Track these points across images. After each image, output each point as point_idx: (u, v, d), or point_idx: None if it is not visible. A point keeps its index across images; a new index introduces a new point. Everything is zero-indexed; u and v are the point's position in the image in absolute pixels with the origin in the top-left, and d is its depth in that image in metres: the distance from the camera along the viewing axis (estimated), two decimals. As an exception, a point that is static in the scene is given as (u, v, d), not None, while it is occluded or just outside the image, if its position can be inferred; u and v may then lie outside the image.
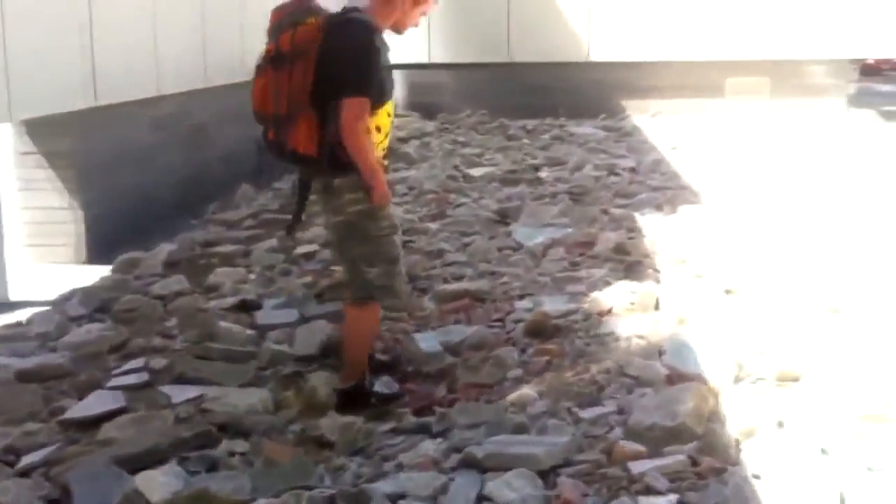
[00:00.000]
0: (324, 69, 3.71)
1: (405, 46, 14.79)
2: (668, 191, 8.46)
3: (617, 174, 9.34)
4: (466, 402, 4.00)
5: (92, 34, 6.54)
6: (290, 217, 4.14)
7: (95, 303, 5.25)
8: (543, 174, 9.41)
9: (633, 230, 6.89)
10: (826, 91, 14.42)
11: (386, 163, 4.04)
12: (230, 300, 5.27)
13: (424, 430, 3.78)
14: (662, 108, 14.57)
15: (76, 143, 6.47)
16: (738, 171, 9.41)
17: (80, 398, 4.03)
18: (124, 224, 6.83)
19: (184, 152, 8.00)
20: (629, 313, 4.93)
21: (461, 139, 11.90)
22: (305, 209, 4.04)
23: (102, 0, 6.68)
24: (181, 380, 4.23)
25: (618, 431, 3.56)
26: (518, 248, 6.52)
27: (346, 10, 3.88)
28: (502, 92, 14.53)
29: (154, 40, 7.50)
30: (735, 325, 4.71)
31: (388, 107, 3.91)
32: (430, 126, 12.93)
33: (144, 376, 4.27)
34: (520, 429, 3.64)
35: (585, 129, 12.65)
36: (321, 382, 4.15)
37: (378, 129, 3.85)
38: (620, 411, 3.74)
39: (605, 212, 7.53)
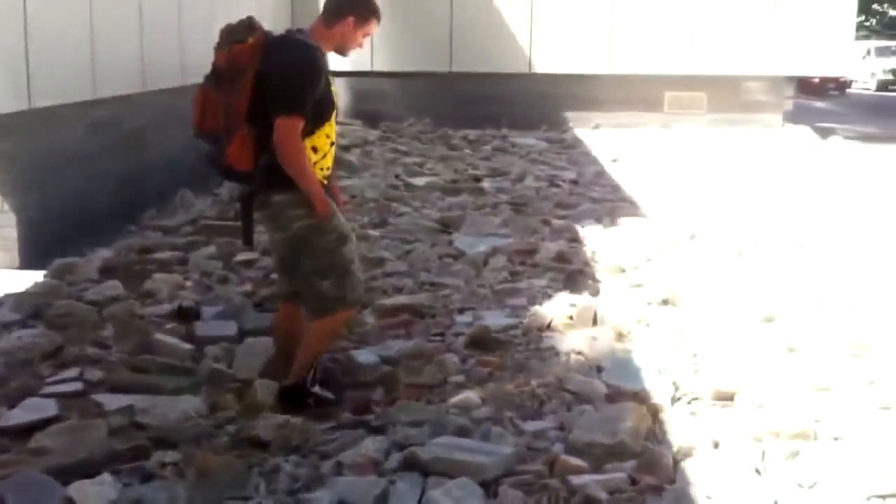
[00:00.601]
0: (261, 87, 3.71)
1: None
2: (608, 203, 8.57)
3: (558, 185, 9.43)
4: (407, 402, 4.00)
5: (27, 37, 6.39)
6: (238, 227, 4.10)
7: (28, 309, 5.12)
8: (485, 184, 9.46)
9: (574, 240, 6.95)
10: (762, 107, 14.72)
11: (328, 176, 4.01)
12: (167, 307, 5.19)
13: (363, 426, 3.76)
14: (604, 120, 14.75)
15: (9, 147, 6.31)
16: (677, 184, 9.55)
17: (12, 406, 3.92)
18: (59, 229, 6.68)
19: (122, 157, 7.86)
20: (568, 328, 4.96)
21: (402, 148, 11.92)
22: (253, 222, 4.00)
23: (39, 3, 6.54)
24: (115, 389, 4.15)
25: (559, 446, 3.58)
26: (459, 255, 6.53)
27: (287, 31, 3.90)
28: (445, 101, 14.59)
29: (91, 44, 7.37)
30: (672, 339, 4.78)
31: (328, 128, 3.89)
32: (373, 135, 12.92)
33: (78, 386, 4.18)
34: (462, 431, 3.66)
35: (528, 140, 12.75)
36: (261, 385, 4.09)
37: (315, 149, 3.84)
38: (561, 427, 3.77)
39: (546, 222, 7.59)
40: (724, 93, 14.66)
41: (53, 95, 6.78)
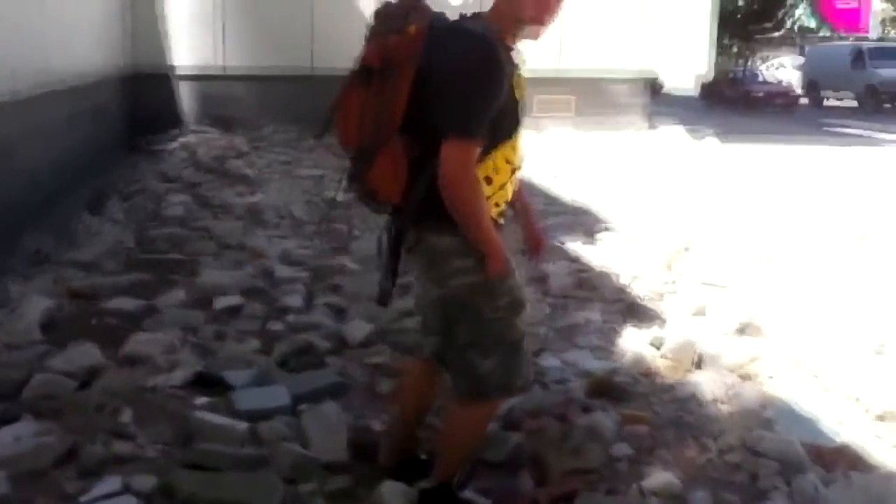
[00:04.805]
0: (422, 90, 2.68)
1: (195, 54, 13.41)
2: (559, 214, 7.91)
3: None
4: (588, 495, 3.09)
5: None
6: (380, 282, 2.99)
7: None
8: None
9: (574, 261, 6.21)
10: (628, 109, 14.60)
11: (502, 221, 2.91)
12: (179, 375, 3.99)
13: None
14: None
15: None
16: (589, 189, 9.11)
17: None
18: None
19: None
20: (672, 371, 4.22)
21: (283, 157, 10.76)
22: (398, 271, 2.90)
23: None
24: (188, 504, 3.00)
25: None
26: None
27: (461, 17, 2.80)
28: (307, 106, 13.41)
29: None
30: (803, 376, 4.16)
31: (508, 150, 2.80)
32: (240, 142, 11.63)
33: (133, 503, 3.00)
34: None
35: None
36: (393, 494, 3.07)
37: (489, 179, 2.76)
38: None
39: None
40: (591, 95, 14.42)
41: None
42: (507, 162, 2.79)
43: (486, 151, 2.70)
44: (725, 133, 13.81)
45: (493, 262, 2.70)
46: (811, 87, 30.96)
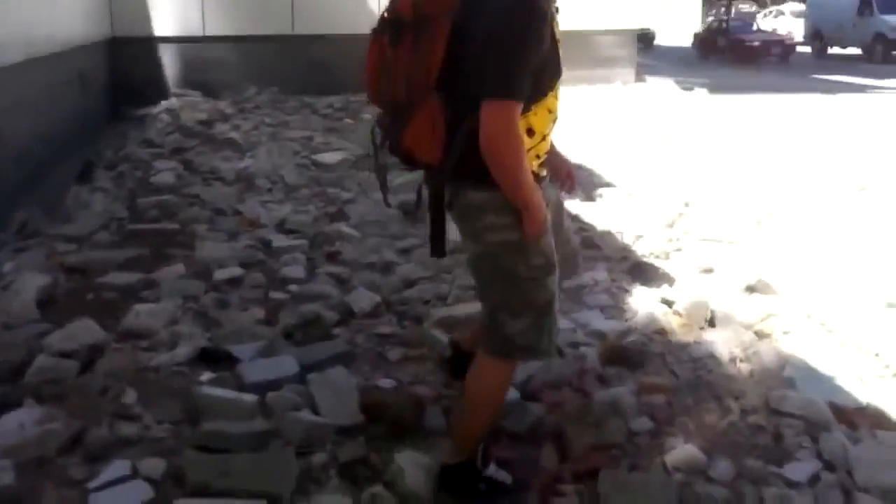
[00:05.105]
0: (459, 46, 2.55)
1: (176, 17, 13.13)
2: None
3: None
4: (611, 471, 3.02)
5: None
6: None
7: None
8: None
9: (574, 218, 6.11)
10: (615, 62, 14.43)
11: (544, 173, 2.85)
12: (183, 351, 3.89)
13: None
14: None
15: None
16: (580, 144, 8.99)
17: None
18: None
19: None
20: (686, 330, 4.15)
21: (268, 120, 10.57)
22: (445, 225, 2.80)
23: None
24: (203, 493, 2.91)
25: (862, 498, 2.78)
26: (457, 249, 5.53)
27: None
28: (289, 68, 13.24)
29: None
30: (819, 333, 4.10)
31: (550, 100, 2.68)
32: (225, 105, 11.44)
33: (145, 489, 2.91)
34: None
35: (402, 106, 11.71)
36: (410, 465, 3.00)
37: (530, 131, 2.67)
38: (830, 466, 2.97)
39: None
40: (578, 48, 14.21)
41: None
42: (549, 111, 2.71)
43: (528, 104, 2.59)
44: (716, 87, 13.66)
45: (531, 220, 2.65)
46: (814, 36, 28.70)
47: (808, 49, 28.11)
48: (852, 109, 12.99)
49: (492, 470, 3.02)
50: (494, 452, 3.10)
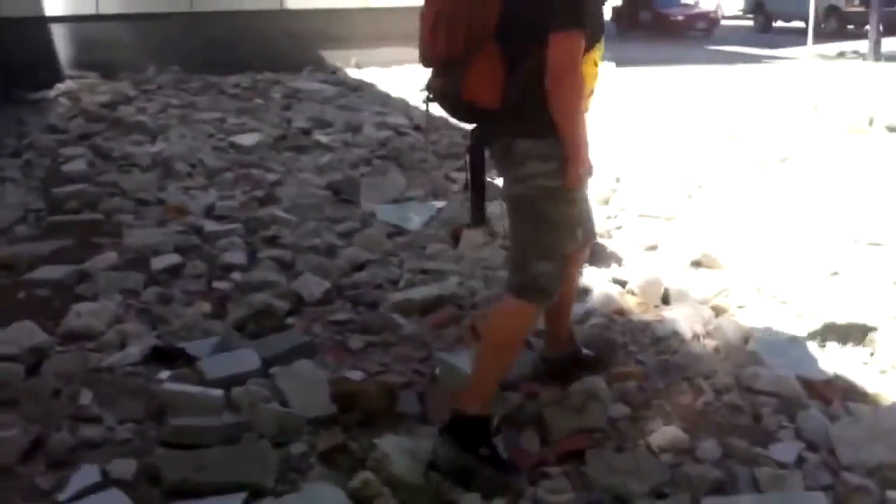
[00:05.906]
0: None
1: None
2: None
3: (403, 133, 8.41)
4: (596, 451, 3.00)
5: None
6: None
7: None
8: (321, 138, 8.23)
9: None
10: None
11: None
12: (134, 351, 3.70)
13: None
14: (363, 58, 13.78)
15: None
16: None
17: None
18: None
19: None
20: (642, 309, 4.17)
21: (176, 102, 10.22)
22: (485, 193, 2.92)
23: None
24: (181, 493, 2.78)
25: (849, 476, 2.82)
26: (400, 232, 5.45)
27: None
28: (189, 46, 12.80)
29: None
30: (774, 305, 4.17)
31: (596, 51, 2.86)
32: (126, 87, 11.01)
33: (118, 497, 2.76)
34: (718, 486, 2.80)
35: (311, 84, 11.51)
36: (394, 450, 2.90)
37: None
38: (813, 447, 3.01)
39: (449, 178, 6.65)
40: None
41: None
42: (595, 64, 2.88)
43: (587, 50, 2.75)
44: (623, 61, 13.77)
45: (576, 166, 2.78)
46: (757, 8, 26.47)
47: (751, 23, 26.49)
48: (751, 78, 13.31)
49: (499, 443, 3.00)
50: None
